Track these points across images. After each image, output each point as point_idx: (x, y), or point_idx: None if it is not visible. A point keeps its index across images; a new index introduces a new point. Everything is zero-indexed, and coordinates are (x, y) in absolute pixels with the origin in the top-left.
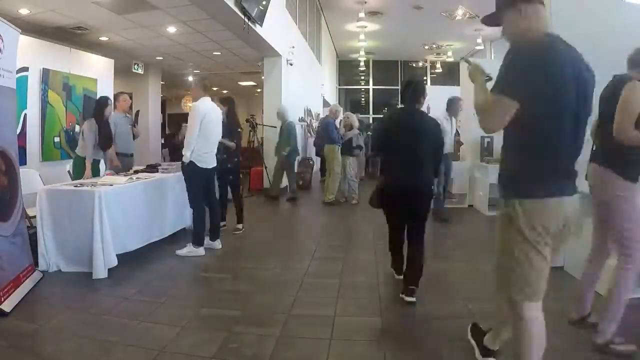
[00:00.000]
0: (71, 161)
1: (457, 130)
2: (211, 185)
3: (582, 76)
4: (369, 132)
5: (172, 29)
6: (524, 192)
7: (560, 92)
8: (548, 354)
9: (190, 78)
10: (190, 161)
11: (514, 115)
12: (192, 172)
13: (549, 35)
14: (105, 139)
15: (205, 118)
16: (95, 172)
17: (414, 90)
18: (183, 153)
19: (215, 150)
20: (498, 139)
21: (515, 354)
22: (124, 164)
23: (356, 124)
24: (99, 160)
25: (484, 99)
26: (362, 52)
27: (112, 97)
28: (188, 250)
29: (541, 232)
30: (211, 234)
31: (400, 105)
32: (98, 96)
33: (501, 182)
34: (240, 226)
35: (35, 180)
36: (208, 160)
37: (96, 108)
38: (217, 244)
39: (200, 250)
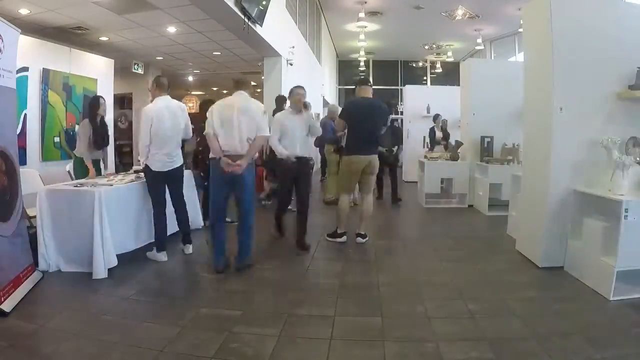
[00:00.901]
0: (71, 161)
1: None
2: (175, 188)
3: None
4: None
5: (172, 29)
6: None
7: None
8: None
9: (190, 78)
10: (146, 165)
11: None
12: (147, 175)
13: None
14: (99, 138)
15: (155, 121)
16: (96, 172)
17: None
18: (138, 158)
19: (177, 151)
20: (498, 139)
21: None
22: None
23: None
24: (98, 160)
25: None
26: (362, 52)
27: (112, 98)
28: (151, 254)
29: None
30: (182, 238)
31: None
32: (93, 95)
33: None
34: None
35: (35, 180)
36: (164, 163)
37: (88, 109)
38: (189, 249)
39: (161, 256)
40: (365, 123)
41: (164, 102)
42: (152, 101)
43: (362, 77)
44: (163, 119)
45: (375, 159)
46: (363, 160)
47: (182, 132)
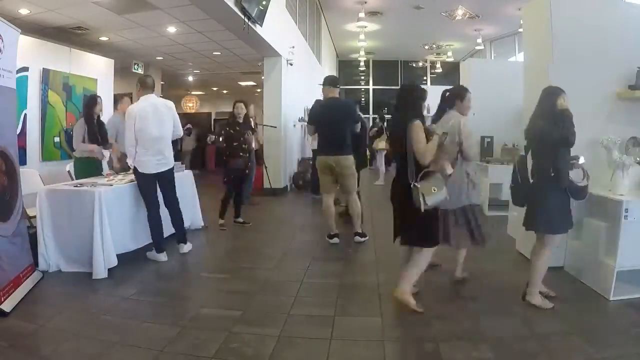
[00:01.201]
0: (71, 161)
1: None
2: (167, 189)
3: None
4: None
5: (172, 29)
6: None
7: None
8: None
9: (190, 78)
10: (134, 167)
11: None
12: (137, 177)
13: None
14: (94, 136)
15: (138, 121)
16: (94, 171)
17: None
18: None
19: (167, 152)
20: (498, 139)
21: None
22: (126, 162)
23: None
24: (94, 159)
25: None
26: (362, 52)
27: (112, 98)
28: (151, 254)
29: None
30: (177, 239)
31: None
32: (89, 95)
33: None
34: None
35: (35, 180)
36: (150, 164)
37: (85, 108)
38: (183, 248)
39: (161, 257)
40: (329, 124)
41: (149, 101)
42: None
43: (329, 76)
44: (147, 118)
45: (343, 159)
46: (326, 160)
47: (170, 132)
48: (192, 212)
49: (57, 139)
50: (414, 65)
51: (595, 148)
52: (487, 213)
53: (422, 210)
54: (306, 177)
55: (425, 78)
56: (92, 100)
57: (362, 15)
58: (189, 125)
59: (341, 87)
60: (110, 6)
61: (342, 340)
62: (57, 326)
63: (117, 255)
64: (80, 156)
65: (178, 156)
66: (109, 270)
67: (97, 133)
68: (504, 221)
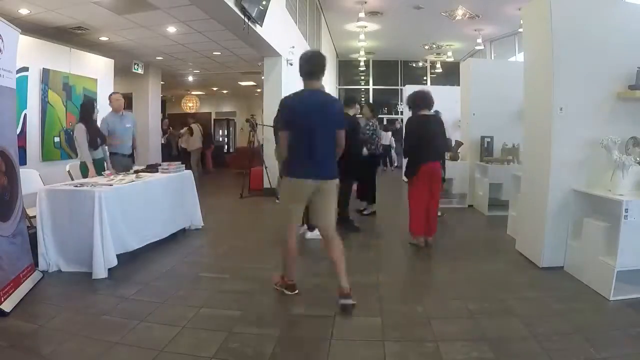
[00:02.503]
0: (71, 161)
1: None
2: None
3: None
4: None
5: (172, 29)
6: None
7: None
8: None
9: (190, 78)
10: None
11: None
12: None
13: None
14: (94, 139)
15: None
16: (100, 171)
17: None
18: None
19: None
20: (498, 139)
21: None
22: (120, 164)
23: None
24: (101, 159)
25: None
26: (362, 52)
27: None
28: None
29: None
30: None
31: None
32: (88, 98)
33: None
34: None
35: (35, 180)
36: None
37: (84, 111)
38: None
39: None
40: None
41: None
42: None
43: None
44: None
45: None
46: None
47: None
48: (192, 212)
49: (57, 139)
50: (414, 65)
51: (595, 148)
52: (486, 213)
53: None
54: None
55: (425, 78)
56: (91, 105)
57: (362, 15)
58: (192, 125)
59: (341, 87)
60: (110, 6)
61: (342, 340)
62: (57, 326)
63: (117, 255)
64: (84, 160)
65: (181, 157)
66: (109, 270)
67: (97, 135)
68: (504, 221)
